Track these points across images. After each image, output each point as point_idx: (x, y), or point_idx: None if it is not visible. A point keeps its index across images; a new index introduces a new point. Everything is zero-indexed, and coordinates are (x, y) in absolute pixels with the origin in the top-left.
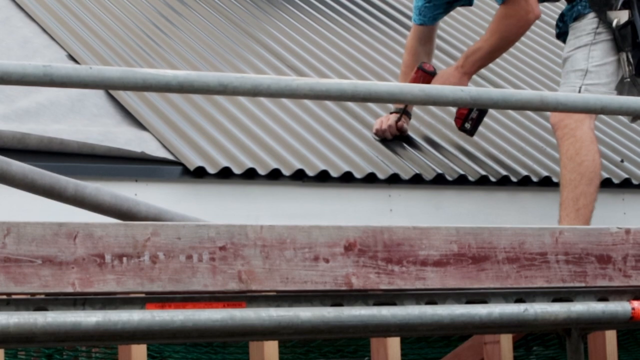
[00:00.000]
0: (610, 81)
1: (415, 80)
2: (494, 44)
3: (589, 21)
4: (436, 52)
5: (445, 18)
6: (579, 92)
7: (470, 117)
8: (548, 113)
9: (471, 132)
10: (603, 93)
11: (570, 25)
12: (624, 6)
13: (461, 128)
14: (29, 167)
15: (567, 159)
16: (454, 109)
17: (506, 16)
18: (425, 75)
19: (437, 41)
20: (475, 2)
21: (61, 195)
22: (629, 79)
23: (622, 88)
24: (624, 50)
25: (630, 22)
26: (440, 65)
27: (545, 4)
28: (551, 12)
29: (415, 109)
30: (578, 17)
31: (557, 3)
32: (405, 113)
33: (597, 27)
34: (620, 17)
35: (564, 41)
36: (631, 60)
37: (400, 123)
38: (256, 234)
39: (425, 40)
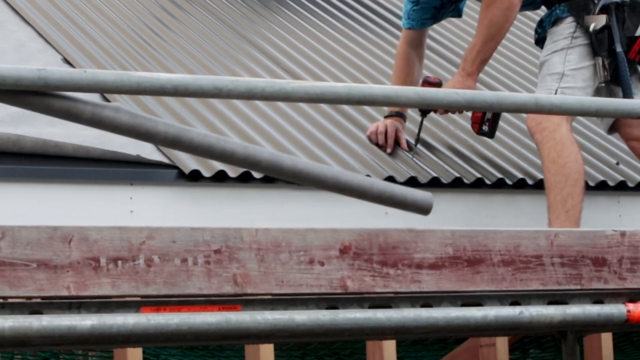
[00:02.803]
0: (587, 85)
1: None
2: (485, 34)
3: (567, 25)
4: (432, 55)
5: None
6: (555, 95)
7: (486, 119)
8: (524, 116)
9: (490, 134)
10: (579, 97)
11: (549, 30)
12: (602, 11)
13: (479, 132)
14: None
15: (550, 162)
16: (452, 113)
17: (489, 3)
18: (432, 86)
19: (432, 43)
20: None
21: (79, 118)
22: (603, 85)
23: (597, 95)
24: (600, 55)
25: (606, 27)
26: (435, 68)
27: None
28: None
29: (410, 112)
30: (556, 21)
31: (538, 10)
32: (400, 115)
33: (574, 32)
34: (597, 21)
35: (542, 47)
36: (607, 65)
37: (399, 135)
38: (251, 237)
39: (416, 44)
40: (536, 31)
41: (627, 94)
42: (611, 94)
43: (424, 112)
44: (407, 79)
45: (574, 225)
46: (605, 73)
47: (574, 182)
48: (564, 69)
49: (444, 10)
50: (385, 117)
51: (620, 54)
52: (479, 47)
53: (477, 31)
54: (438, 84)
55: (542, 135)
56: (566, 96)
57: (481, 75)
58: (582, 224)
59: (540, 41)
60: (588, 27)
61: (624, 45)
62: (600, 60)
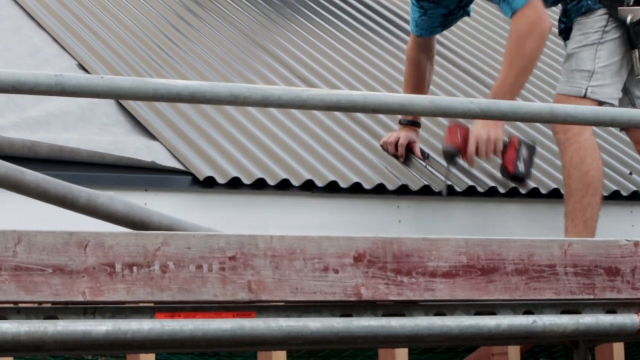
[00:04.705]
0: (615, 81)
1: (452, 132)
2: (519, 67)
3: (598, 18)
4: (440, 60)
5: None
6: (585, 94)
7: (521, 157)
8: (539, 125)
9: (527, 173)
10: (609, 94)
11: (576, 20)
12: (636, 3)
13: (515, 173)
14: (42, 176)
15: (573, 168)
16: (463, 120)
17: (528, 32)
18: (461, 131)
19: (440, 48)
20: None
21: (74, 205)
22: (639, 76)
23: (630, 86)
24: (638, 47)
25: None
26: (444, 73)
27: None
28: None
29: (424, 120)
30: (586, 12)
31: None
32: (414, 124)
33: (605, 25)
34: (634, 13)
35: (566, 37)
36: None
37: (412, 144)
38: (266, 244)
39: (425, 47)
40: (561, 20)
41: None
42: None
43: (450, 158)
44: (419, 84)
45: (591, 235)
46: None
47: (594, 191)
48: (594, 66)
49: (452, 17)
50: (400, 124)
51: None
52: (512, 81)
53: (508, 63)
54: (465, 130)
55: (566, 136)
56: (581, 106)
57: (492, 82)
58: (595, 233)
59: (564, 31)
60: (623, 20)
61: None
62: (637, 52)
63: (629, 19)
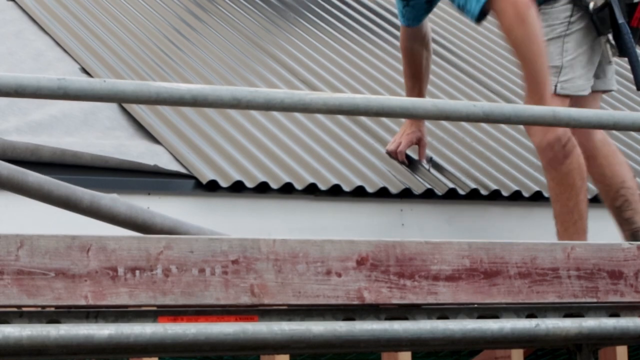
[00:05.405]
0: (587, 71)
1: None
2: (528, 58)
3: (563, 8)
4: (439, 61)
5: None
6: (555, 90)
7: None
8: None
9: None
10: (579, 86)
11: (541, 8)
12: None
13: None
14: (45, 178)
15: (552, 169)
16: (465, 124)
17: (508, 26)
18: None
19: (441, 50)
20: None
21: (77, 207)
22: (611, 61)
23: (600, 71)
24: (604, 33)
25: (607, 4)
26: (441, 73)
27: None
28: None
29: (428, 124)
30: (549, 0)
31: None
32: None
33: (571, 15)
34: (596, 0)
35: None
36: (612, 42)
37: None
38: (269, 248)
39: (417, 36)
40: None
41: (635, 65)
42: (601, 65)
43: None
44: (417, 72)
45: (583, 233)
46: (613, 50)
47: (578, 191)
48: (562, 60)
49: (435, 2)
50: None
51: (623, 25)
52: (535, 69)
53: (521, 60)
54: None
55: (542, 142)
56: (584, 109)
57: (495, 85)
58: (598, 237)
59: None
60: (586, 6)
61: (625, 15)
62: (604, 38)
63: (591, 6)
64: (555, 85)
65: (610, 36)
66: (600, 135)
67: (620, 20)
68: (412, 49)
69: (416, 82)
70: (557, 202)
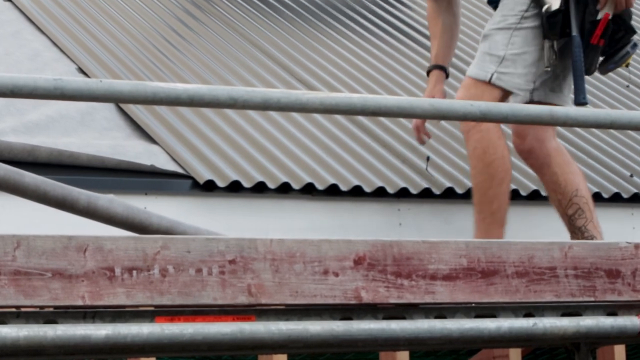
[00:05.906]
0: (528, 72)
1: None
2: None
3: (520, 1)
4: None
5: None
6: (490, 79)
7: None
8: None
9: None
10: (516, 84)
11: None
12: None
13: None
14: (42, 179)
15: (476, 159)
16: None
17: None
18: None
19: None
20: (477, 12)
21: (73, 207)
22: (549, 69)
23: (540, 80)
24: (550, 38)
25: (561, 11)
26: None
27: None
28: None
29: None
30: None
31: None
32: (441, 68)
33: (526, 10)
34: (552, 3)
35: (495, 7)
36: (556, 49)
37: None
38: (266, 248)
39: (445, 8)
40: None
41: (578, 80)
42: (558, 79)
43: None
44: (450, 42)
45: (500, 225)
46: (554, 57)
47: (499, 182)
48: (505, 52)
49: None
50: (427, 72)
51: (575, 38)
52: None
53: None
54: None
55: (468, 126)
56: (582, 109)
57: None
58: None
59: (493, 2)
60: (541, 7)
61: (582, 30)
62: (548, 43)
63: (544, 8)
64: (492, 74)
65: (555, 44)
66: (554, 143)
67: (574, 32)
68: (442, 20)
69: (447, 50)
70: (477, 191)
